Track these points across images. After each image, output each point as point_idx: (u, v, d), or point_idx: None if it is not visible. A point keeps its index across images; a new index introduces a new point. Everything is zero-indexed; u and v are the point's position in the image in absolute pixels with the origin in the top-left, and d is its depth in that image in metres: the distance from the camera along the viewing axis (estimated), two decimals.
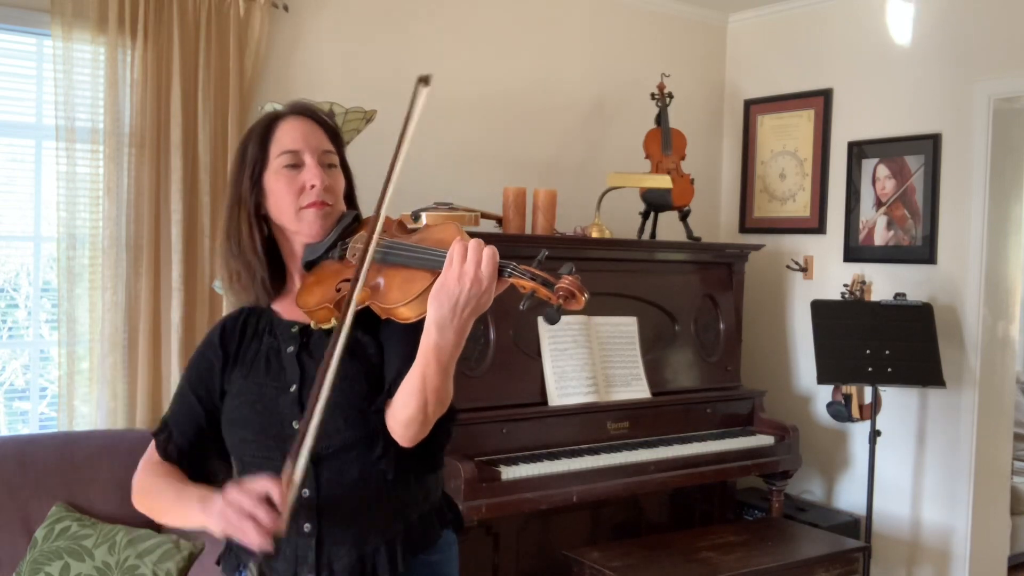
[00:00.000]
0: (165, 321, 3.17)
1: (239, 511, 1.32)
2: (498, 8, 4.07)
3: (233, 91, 3.25)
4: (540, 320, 3.45)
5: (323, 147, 1.58)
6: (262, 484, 1.34)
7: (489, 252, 1.32)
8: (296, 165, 1.55)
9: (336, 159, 1.61)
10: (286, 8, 3.42)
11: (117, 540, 2.70)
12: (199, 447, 1.61)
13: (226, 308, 3.16)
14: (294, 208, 1.55)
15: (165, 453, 1.61)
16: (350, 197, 1.65)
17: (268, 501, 1.33)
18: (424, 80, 1.46)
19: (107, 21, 3.00)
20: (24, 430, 3.19)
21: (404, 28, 3.80)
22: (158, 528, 2.89)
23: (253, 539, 1.31)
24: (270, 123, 1.59)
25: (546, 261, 1.33)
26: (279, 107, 3.05)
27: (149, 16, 3.06)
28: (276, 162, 1.56)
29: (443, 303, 1.32)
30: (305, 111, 1.61)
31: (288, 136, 1.56)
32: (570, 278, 1.29)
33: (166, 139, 3.14)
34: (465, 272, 1.31)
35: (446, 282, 1.32)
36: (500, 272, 1.33)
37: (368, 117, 3.18)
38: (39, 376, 3.21)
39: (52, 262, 3.12)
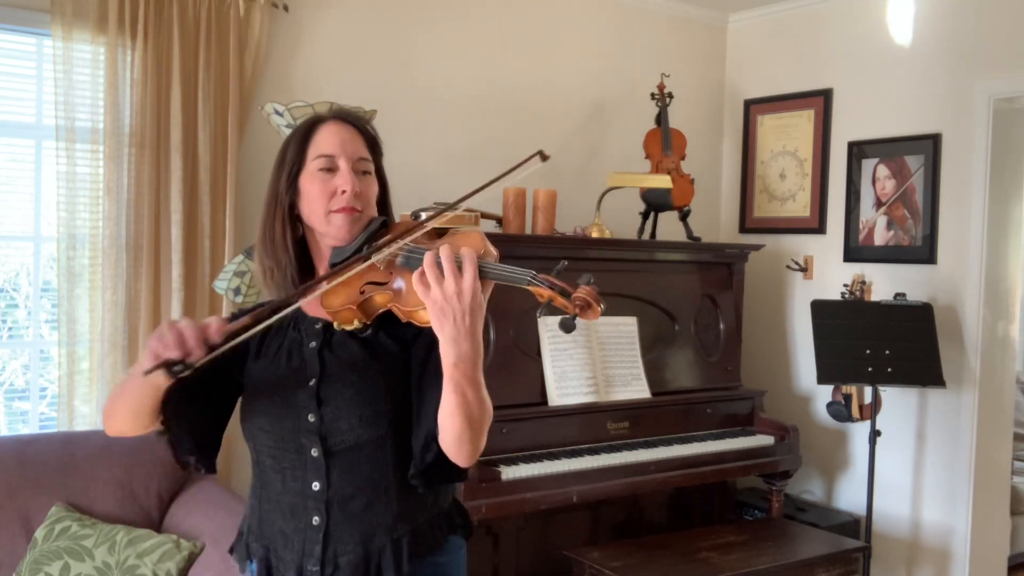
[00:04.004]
0: (165, 321, 3.16)
1: (172, 325, 1.38)
2: (498, 8, 4.07)
3: (233, 91, 3.24)
4: (540, 320, 3.45)
5: (359, 154, 1.62)
6: (208, 320, 1.42)
7: (467, 256, 1.36)
8: (331, 169, 1.59)
9: (371, 167, 1.64)
10: (286, 8, 3.42)
11: (117, 540, 2.70)
12: (193, 387, 1.57)
13: (226, 309, 3.16)
14: (324, 210, 1.58)
15: None
16: (383, 204, 1.69)
17: (204, 334, 1.39)
18: (544, 156, 1.53)
19: (107, 21, 3.00)
20: (24, 430, 3.19)
21: (404, 28, 3.80)
22: (158, 528, 2.89)
23: (171, 346, 1.36)
24: (311, 126, 1.63)
25: (565, 272, 1.36)
26: (279, 107, 3.06)
27: (149, 16, 3.06)
28: (312, 164, 1.60)
29: (443, 325, 1.36)
30: (347, 117, 1.65)
31: (326, 140, 1.60)
32: (587, 288, 1.33)
33: (166, 139, 3.14)
34: (447, 288, 1.35)
35: (434, 307, 1.36)
36: (482, 274, 1.37)
37: (368, 117, 3.18)
38: (39, 376, 3.21)
39: (52, 262, 3.12)
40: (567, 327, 1.33)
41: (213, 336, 1.39)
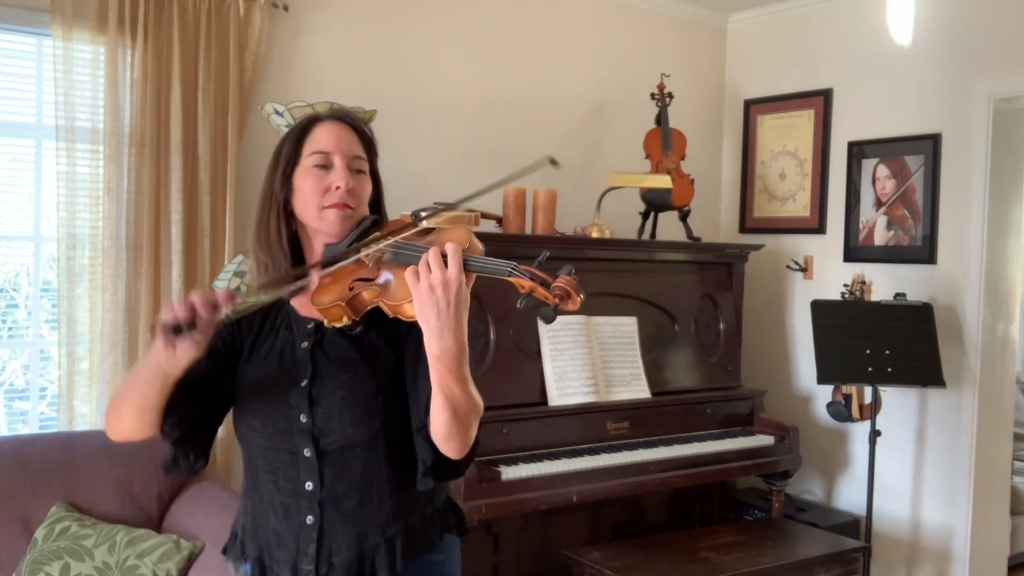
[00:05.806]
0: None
1: (183, 299, 1.39)
2: (498, 8, 4.07)
3: (233, 91, 3.24)
4: (540, 320, 3.45)
5: (354, 153, 1.64)
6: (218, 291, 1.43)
7: (451, 250, 1.39)
8: (325, 166, 1.61)
9: (366, 166, 1.66)
10: (286, 8, 3.42)
11: (117, 540, 2.70)
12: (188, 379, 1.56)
13: None
14: (317, 207, 1.60)
15: None
16: (377, 205, 1.70)
17: (214, 303, 1.39)
18: (554, 162, 1.56)
19: (107, 21, 3.00)
20: (24, 430, 3.19)
21: (404, 28, 3.80)
22: (158, 528, 2.89)
23: (180, 312, 1.36)
24: (308, 124, 1.65)
25: (547, 262, 1.37)
26: (279, 107, 3.06)
27: (149, 16, 3.06)
28: (307, 161, 1.61)
29: (428, 316, 1.38)
30: (344, 117, 1.67)
31: (322, 138, 1.62)
32: (567, 278, 1.34)
33: (166, 139, 3.14)
34: (433, 279, 1.37)
35: (420, 298, 1.38)
36: (464, 267, 1.39)
37: (368, 117, 3.18)
38: (39, 376, 3.21)
39: (52, 262, 3.12)
40: (547, 317, 1.34)
41: (221, 301, 1.39)
